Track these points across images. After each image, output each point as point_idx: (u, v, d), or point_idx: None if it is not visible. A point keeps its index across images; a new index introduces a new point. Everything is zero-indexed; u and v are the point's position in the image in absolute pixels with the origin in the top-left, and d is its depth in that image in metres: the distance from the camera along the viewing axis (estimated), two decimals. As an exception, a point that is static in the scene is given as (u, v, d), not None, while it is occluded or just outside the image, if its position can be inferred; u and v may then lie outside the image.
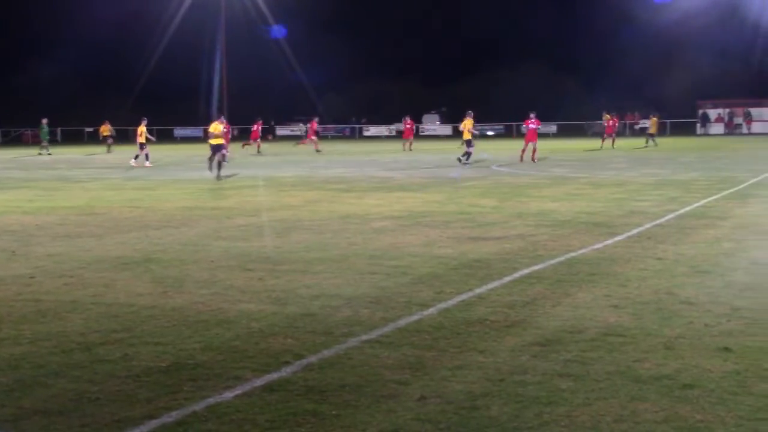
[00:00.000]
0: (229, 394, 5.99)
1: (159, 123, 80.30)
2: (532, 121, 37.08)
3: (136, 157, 39.00)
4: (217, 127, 29.31)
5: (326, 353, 6.98)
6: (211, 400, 5.88)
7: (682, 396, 5.80)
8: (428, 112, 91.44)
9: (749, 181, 23.37)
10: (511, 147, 45.64)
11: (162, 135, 77.75)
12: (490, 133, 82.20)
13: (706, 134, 73.68)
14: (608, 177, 26.25)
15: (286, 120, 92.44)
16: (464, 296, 8.99)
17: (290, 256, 11.94)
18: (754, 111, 75.88)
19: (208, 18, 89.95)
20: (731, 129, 75.19)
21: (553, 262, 11.01)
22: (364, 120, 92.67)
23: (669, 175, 26.34)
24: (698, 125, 76.57)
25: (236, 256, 11.90)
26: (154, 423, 5.49)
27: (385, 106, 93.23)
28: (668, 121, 75.95)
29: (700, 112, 77.35)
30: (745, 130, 74.73)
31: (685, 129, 73.09)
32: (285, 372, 6.50)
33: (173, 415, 5.61)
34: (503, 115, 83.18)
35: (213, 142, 29.33)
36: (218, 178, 27.65)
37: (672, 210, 16.63)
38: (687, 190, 21.04)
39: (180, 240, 13.73)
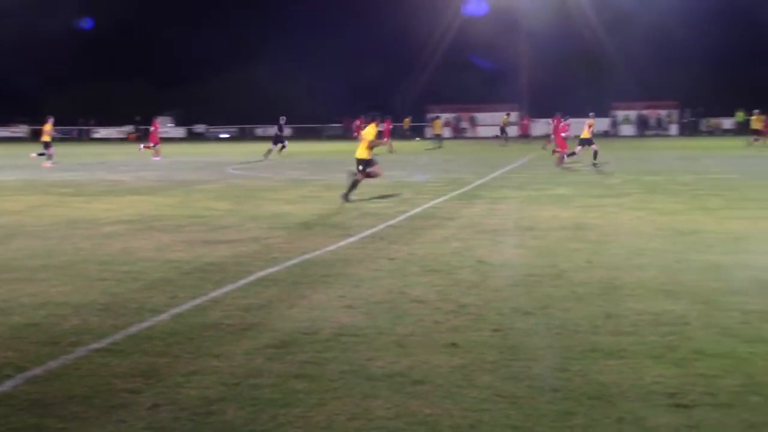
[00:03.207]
0: (-59, 414, 5.57)
1: None
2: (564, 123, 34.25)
3: (44, 155, 36.72)
4: (373, 131, 20.15)
5: (52, 364, 6.64)
6: None
7: (412, 392, 5.95)
8: (161, 114, 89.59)
9: (475, 182, 24.48)
10: (246, 150, 45.49)
11: None
12: (223, 135, 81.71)
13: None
14: (341, 179, 26.64)
15: (7, 121, 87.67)
16: (198, 300, 8.84)
17: (12, 263, 11.29)
18: (479, 115, 79.94)
19: None
20: (458, 133, 78.73)
21: (288, 264, 11.04)
22: (91, 122, 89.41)
23: (401, 177, 27.09)
24: (427, 128, 79.49)
25: (-48, 265, 11.12)
26: None
27: (114, 108, 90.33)
28: (398, 124, 78.54)
29: (429, 116, 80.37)
30: (470, 133, 78.51)
31: (414, 133, 75.59)
32: (6, 386, 6.12)
33: None
34: (237, 117, 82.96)
35: (364, 155, 19.93)
36: (346, 198, 19.34)
37: (403, 211, 17.12)
38: (418, 191, 21.75)
39: None
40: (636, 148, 49.73)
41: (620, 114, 77.58)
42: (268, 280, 9.96)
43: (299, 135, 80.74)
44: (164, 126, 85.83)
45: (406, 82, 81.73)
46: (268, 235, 13.83)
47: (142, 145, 46.06)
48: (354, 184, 19.74)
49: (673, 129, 76.72)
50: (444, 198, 19.90)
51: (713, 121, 77.59)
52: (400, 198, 20.06)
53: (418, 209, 17.55)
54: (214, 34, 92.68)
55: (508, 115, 62.22)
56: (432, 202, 18.86)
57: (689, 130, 76.97)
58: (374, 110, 21.02)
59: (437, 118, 60.14)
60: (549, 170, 30.10)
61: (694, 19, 77.06)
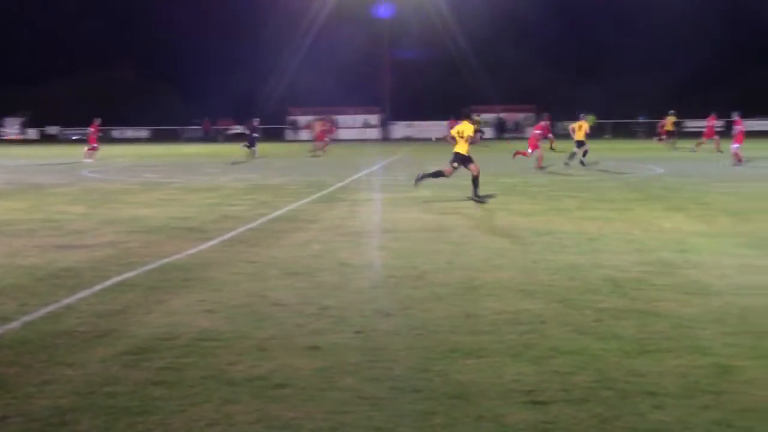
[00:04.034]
0: None
1: None
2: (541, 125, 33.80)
3: None
4: (469, 128, 19.60)
5: None
6: None
7: (274, 395, 5.90)
8: (8, 115, 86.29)
9: (336, 185, 24.52)
10: (103, 152, 44.31)
11: None
12: (78, 137, 79.39)
13: (297, 140, 76.36)
14: (201, 182, 26.37)
15: None
16: (51, 307, 8.55)
17: None
18: (340, 118, 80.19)
19: None
20: (319, 135, 78.68)
21: (146, 268, 10.80)
22: None
23: (260, 180, 26.94)
24: (288, 131, 79.35)
25: None
26: None
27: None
28: (261, 126, 78.22)
29: (290, 118, 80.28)
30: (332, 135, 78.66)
31: (275, 135, 75.34)
32: None
33: None
34: (92, 119, 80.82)
35: (464, 150, 19.48)
36: (480, 198, 19.09)
37: (264, 214, 17.00)
38: (277, 194, 21.64)
39: None
40: (494, 150, 50.77)
41: (479, 117, 78.97)
42: (124, 286, 9.72)
43: (157, 137, 79.42)
44: (12, 127, 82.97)
45: (269, 84, 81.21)
46: (125, 240, 13.51)
47: (90, 157, 41.58)
48: (474, 182, 19.32)
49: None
50: (305, 200, 19.86)
51: (567, 124, 79.85)
52: (259, 200, 19.91)
53: (278, 212, 17.45)
54: (70, 33, 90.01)
55: (478, 115, 62.79)
56: (293, 205, 18.79)
57: (545, 133, 79.12)
58: (466, 109, 20.88)
59: (321, 119, 59.84)
60: (410, 172, 30.37)
61: (549, 22, 79.38)
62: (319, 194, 21.55)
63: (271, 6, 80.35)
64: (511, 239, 13.27)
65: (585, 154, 32.53)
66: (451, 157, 19.71)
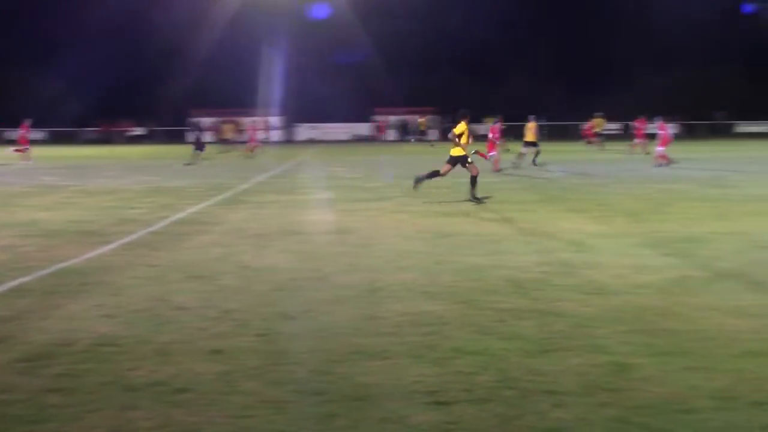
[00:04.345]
0: None
1: None
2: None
3: None
4: (463, 128, 19.89)
5: None
6: None
7: (175, 400, 5.82)
8: None
9: (239, 187, 24.32)
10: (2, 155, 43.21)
11: None
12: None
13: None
14: (100, 185, 25.87)
15: None
16: (-58, 314, 8.29)
17: None
18: (245, 120, 79.55)
19: None
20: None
21: (42, 273, 10.55)
22: None
23: (161, 183, 26.55)
24: (189, 133, 78.31)
25: None
26: None
27: None
28: (162, 128, 77.29)
29: (193, 120, 79.30)
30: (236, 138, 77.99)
31: (177, 137, 74.36)
32: None
33: None
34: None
35: (459, 152, 19.93)
36: (478, 199, 19.47)
37: (164, 217, 16.76)
38: (179, 197, 21.36)
39: None
40: (397, 152, 51.01)
41: (382, 119, 79.17)
42: (20, 291, 9.48)
43: (54, 139, 77.60)
44: None
45: (168, 85, 79.95)
46: (20, 243, 13.17)
47: (12, 149, 42.37)
48: (430, 175, 20.74)
49: (433, 134, 78.94)
50: (207, 203, 19.65)
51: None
52: (160, 203, 19.63)
53: (179, 215, 17.23)
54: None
55: (424, 117, 63.85)
56: (195, 208, 18.58)
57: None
58: (463, 110, 20.61)
59: (231, 122, 59.27)
60: (313, 174, 30.34)
61: (451, 22, 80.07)
62: (221, 197, 21.36)
63: (171, 5, 79.12)
64: (414, 241, 13.34)
65: (537, 154, 34.33)
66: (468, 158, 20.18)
